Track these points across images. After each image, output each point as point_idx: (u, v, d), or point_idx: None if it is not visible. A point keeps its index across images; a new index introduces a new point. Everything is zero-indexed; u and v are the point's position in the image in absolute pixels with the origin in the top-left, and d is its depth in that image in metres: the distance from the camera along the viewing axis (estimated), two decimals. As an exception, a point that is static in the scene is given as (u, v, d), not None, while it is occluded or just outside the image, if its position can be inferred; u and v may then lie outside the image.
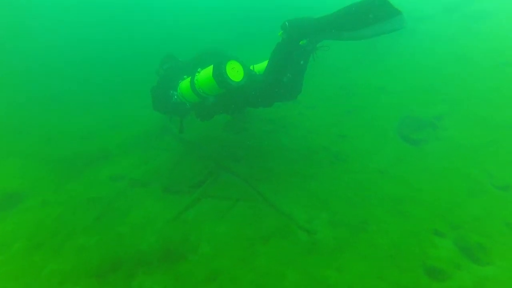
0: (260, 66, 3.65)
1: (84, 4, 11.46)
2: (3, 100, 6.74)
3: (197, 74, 3.34)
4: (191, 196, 3.80)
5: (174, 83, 3.59)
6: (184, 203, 3.76)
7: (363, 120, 4.84)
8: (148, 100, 6.40)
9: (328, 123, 4.96)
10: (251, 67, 3.57)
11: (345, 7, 2.73)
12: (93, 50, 9.49)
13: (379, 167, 3.93)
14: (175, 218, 3.54)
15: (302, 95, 5.74)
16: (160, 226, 3.44)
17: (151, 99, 3.91)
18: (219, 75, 3.00)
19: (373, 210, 3.34)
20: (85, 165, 4.41)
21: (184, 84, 3.46)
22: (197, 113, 3.76)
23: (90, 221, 3.53)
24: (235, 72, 3.08)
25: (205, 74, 3.19)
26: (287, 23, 2.90)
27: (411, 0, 7.70)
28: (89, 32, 10.29)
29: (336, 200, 3.58)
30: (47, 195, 3.90)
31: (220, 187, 3.92)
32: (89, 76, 8.04)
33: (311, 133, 4.78)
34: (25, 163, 4.45)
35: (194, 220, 3.52)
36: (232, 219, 3.50)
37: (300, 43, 3.00)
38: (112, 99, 6.80)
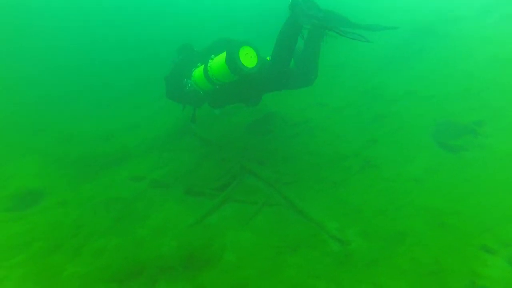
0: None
1: (104, 6, 11.60)
2: (20, 99, 6.78)
3: (210, 61, 3.26)
4: (214, 200, 3.64)
5: (188, 71, 3.52)
6: (206, 206, 3.60)
7: (394, 125, 4.57)
8: (165, 101, 6.39)
9: (357, 128, 4.72)
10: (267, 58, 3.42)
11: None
12: (110, 51, 9.53)
13: (414, 176, 3.67)
14: (198, 222, 3.38)
15: (329, 98, 5.57)
16: (182, 230, 3.29)
17: (165, 87, 3.80)
18: (232, 61, 2.91)
19: (411, 221, 3.09)
20: (104, 165, 4.32)
21: (198, 71, 3.38)
22: (210, 101, 3.65)
23: (110, 222, 3.40)
24: (248, 58, 2.99)
25: (218, 60, 3.12)
26: (290, 1, 2.84)
27: (444, 0, 7.40)
28: (107, 33, 10.38)
29: (369, 209, 3.34)
30: (66, 195, 3.81)
31: (244, 191, 3.75)
32: (106, 77, 8.06)
33: (339, 138, 4.56)
34: (44, 161, 4.39)
35: (218, 225, 3.35)
36: (258, 225, 3.32)
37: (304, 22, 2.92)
38: (129, 100, 6.75)
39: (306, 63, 3.31)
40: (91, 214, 3.46)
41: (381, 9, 8.03)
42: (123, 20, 11.04)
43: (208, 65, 3.24)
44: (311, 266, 2.77)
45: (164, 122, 5.47)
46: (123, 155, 4.50)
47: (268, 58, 3.41)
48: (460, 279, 2.50)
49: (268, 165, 4.10)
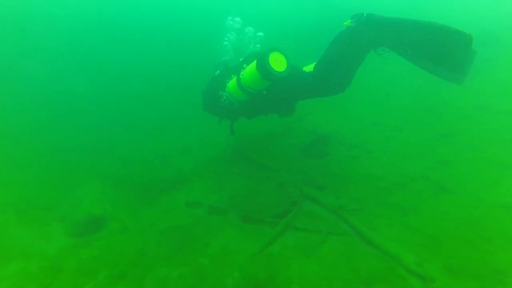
0: (309, 67, 3.48)
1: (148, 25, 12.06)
2: (80, 123, 7.14)
3: (242, 70, 3.34)
4: (275, 228, 3.47)
5: (222, 84, 3.63)
6: (266, 234, 3.43)
7: (466, 144, 4.17)
8: (215, 124, 6.45)
9: (421, 148, 4.37)
10: (303, 68, 3.47)
11: (427, 24, 2.59)
12: (158, 77, 9.87)
13: (500, 202, 3.25)
14: (259, 252, 3.22)
15: (385, 117, 5.27)
16: (243, 260, 3.13)
17: (202, 101, 3.96)
18: (262, 66, 2.96)
19: (507, 256, 2.68)
20: (161, 190, 4.35)
21: (232, 83, 3.46)
22: (245, 112, 3.70)
23: (170, 251, 3.34)
24: (278, 62, 3.03)
25: (250, 68, 3.19)
26: (365, 14, 2.77)
27: (506, 7, 6.89)
28: (168, 62, 10.75)
29: (450, 240, 2.97)
30: (127, 221, 3.85)
31: (306, 218, 3.54)
32: (155, 101, 8.34)
33: (402, 159, 4.24)
34: (106, 186, 4.52)
35: (280, 256, 3.16)
36: (324, 257, 3.07)
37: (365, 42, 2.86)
38: (179, 123, 6.90)
39: (348, 73, 3.15)
40: (152, 242, 3.44)
41: (441, 16, 7.64)
42: (181, 47, 11.40)
43: (241, 74, 3.33)
44: (391, 306, 2.47)
45: (215, 145, 5.48)
46: (179, 179, 4.52)
47: (305, 68, 3.46)
48: None
49: (329, 190, 3.87)
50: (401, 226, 3.26)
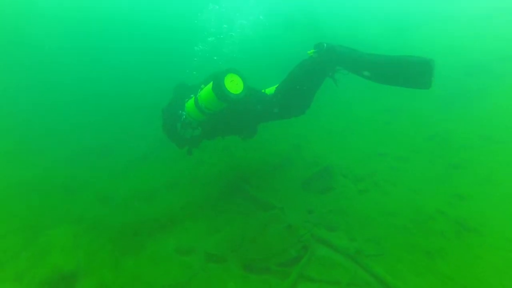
0: (271, 90, 3.52)
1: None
2: (49, 155, 6.45)
3: (199, 91, 3.38)
4: (285, 279, 2.97)
5: (182, 103, 3.63)
6: (275, 287, 2.93)
7: (480, 176, 3.92)
8: (204, 154, 5.96)
9: (432, 180, 4.08)
10: (263, 91, 3.54)
11: (387, 58, 2.62)
12: (135, 100, 9.36)
13: (535, 242, 2.94)
14: (270, 312, 2.69)
15: (388, 147, 5.01)
16: (252, 324, 2.59)
17: (162, 120, 3.84)
18: (218, 87, 3.00)
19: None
20: (147, 234, 3.74)
21: (190, 102, 3.47)
22: (204, 132, 3.68)
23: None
24: (234, 84, 3.07)
25: (206, 89, 3.22)
26: (325, 44, 2.85)
27: (497, 38, 7.06)
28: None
29: (490, 291, 2.60)
30: (105, 275, 3.21)
31: (320, 266, 3.07)
32: (134, 128, 7.77)
33: (414, 193, 3.92)
34: (79, 231, 3.85)
35: (296, 316, 2.65)
36: (348, 316, 2.60)
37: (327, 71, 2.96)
38: (163, 153, 6.35)
39: (307, 96, 3.25)
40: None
41: (432, 49, 7.74)
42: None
43: (198, 94, 3.35)
44: None
45: (207, 178, 4.95)
46: (168, 220, 3.91)
47: (267, 90, 3.51)
48: None
49: (341, 230, 3.45)
50: (430, 274, 2.87)
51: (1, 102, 9.17)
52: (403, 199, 3.83)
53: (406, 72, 2.53)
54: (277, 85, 3.39)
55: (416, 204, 3.71)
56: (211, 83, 3.13)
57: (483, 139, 4.55)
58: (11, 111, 8.62)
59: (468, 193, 3.71)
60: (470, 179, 3.93)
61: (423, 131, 5.18)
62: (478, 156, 4.28)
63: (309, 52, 2.99)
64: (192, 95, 3.52)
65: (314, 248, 3.23)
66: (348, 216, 3.67)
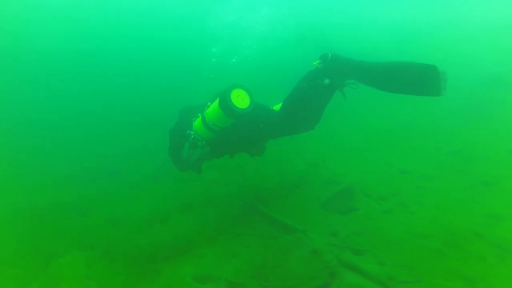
0: (278, 106, 3.50)
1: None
2: (53, 174, 6.30)
3: (206, 108, 3.39)
4: (313, 310, 2.73)
5: (189, 123, 3.62)
6: (303, 320, 2.69)
7: (514, 194, 3.69)
8: (217, 174, 5.77)
9: (461, 199, 3.86)
10: (274, 107, 3.52)
11: (391, 65, 2.67)
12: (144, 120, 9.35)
13: None
14: None
15: (409, 163, 4.80)
16: None
17: (169, 141, 3.83)
18: (224, 103, 2.99)
19: None
20: (162, 260, 3.53)
21: (197, 121, 3.47)
22: (212, 151, 3.64)
23: None
24: (240, 99, 3.06)
25: (213, 105, 3.22)
26: (330, 54, 2.88)
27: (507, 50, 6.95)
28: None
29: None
30: (120, 305, 3.00)
31: (351, 295, 2.83)
32: (142, 148, 7.64)
33: (444, 213, 3.69)
34: (92, 257, 3.65)
35: None
36: None
37: (332, 82, 2.93)
38: (173, 173, 6.19)
39: (316, 110, 3.21)
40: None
41: (443, 61, 7.63)
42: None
43: (205, 112, 3.35)
44: None
45: (221, 199, 4.76)
46: (183, 245, 3.72)
47: (275, 107, 3.48)
48: None
49: (369, 254, 3.21)
50: (473, 303, 2.62)
51: (4, 118, 9.13)
52: (433, 220, 3.60)
53: (414, 77, 2.55)
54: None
55: (448, 225, 3.47)
56: (217, 99, 3.14)
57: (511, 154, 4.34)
58: (12, 128, 8.56)
59: (504, 212, 3.47)
60: (504, 197, 3.70)
61: (444, 146, 4.98)
62: (509, 172, 4.05)
63: (314, 63, 3.01)
64: (199, 114, 3.51)
65: (343, 275, 2.99)
66: (375, 238, 3.44)
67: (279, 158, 5.80)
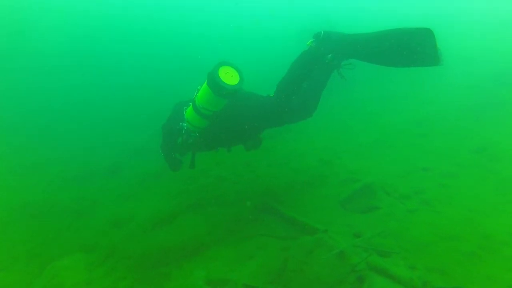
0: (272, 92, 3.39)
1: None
2: (53, 173, 6.04)
3: (196, 92, 3.23)
4: (341, 319, 2.46)
5: (181, 114, 3.48)
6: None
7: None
8: (227, 171, 5.48)
9: (490, 198, 3.62)
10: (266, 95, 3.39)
11: (384, 32, 2.58)
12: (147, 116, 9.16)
13: None
14: None
15: (430, 161, 4.56)
16: None
17: (161, 137, 3.68)
18: (213, 81, 2.86)
19: None
20: (171, 263, 3.25)
21: (189, 109, 3.31)
22: (206, 142, 3.44)
23: None
24: (229, 76, 2.94)
25: (202, 87, 3.10)
26: (322, 32, 2.83)
27: None
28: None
29: None
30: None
31: (383, 303, 2.56)
32: (143, 142, 7.38)
33: (474, 213, 3.44)
34: (92, 261, 3.37)
35: None
36: None
37: (326, 59, 2.86)
38: (178, 171, 5.91)
39: (311, 95, 3.14)
40: None
41: (458, 58, 7.41)
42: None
43: (195, 96, 3.20)
44: None
45: (230, 196, 4.48)
46: (193, 246, 3.44)
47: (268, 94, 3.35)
48: None
49: (398, 257, 2.95)
50: (520, 313, 2.36)
51: (1, 117, 8.87)
52: (462, 221, 3.34)
53: (411, 44, 2.43)
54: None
55: (480, 227, 3.22)
56: (206, 80, 3.04)
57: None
58: (11, 127, 8.30)
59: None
60: (538, 198, 3.46)
61: (465, 144, 4.74)
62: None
63: (308, 42, 2.95)
64: (190, 103, 3.40)
65: (372, 279, 2.72)
66: (402, 240, 3.18)
67: (288, 154, 5.54)
